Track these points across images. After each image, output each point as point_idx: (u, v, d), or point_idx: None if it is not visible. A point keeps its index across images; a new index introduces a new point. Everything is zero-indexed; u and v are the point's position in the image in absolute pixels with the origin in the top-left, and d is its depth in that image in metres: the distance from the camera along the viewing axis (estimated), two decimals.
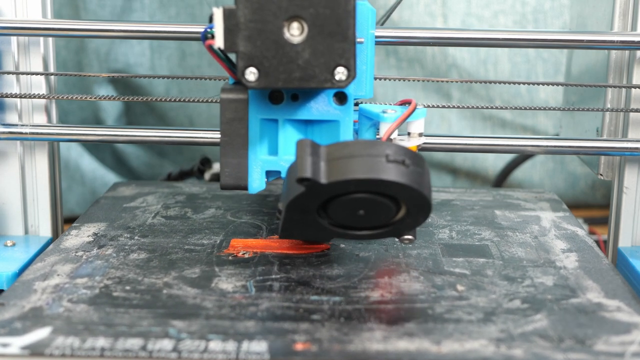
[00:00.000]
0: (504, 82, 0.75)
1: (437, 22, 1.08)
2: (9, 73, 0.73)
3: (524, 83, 0.75)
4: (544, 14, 1.08)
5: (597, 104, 0.77)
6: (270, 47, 0.56)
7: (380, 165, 0.55)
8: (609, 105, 0.75)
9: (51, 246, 0.67)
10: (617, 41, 0.70)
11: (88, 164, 1.09)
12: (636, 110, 0.73)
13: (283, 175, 0.61)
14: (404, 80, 0.80)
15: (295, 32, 0.56)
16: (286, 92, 0.60)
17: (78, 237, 0.69)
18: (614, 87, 0.74)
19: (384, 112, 0.62)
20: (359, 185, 0.56)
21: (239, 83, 0.58)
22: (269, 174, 0.62)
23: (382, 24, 0.73)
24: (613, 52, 0.74)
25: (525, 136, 0.97)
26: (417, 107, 0.63)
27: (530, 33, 0.72)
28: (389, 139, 0.61)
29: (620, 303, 0.57)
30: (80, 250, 0.66)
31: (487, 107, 0.78)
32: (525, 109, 0.75)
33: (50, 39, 0.75)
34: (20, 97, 0.73)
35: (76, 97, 0.75)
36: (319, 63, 0.56)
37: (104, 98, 0.79)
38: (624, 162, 0.75)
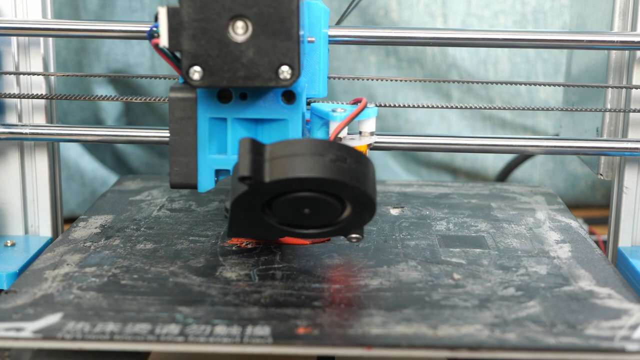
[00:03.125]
0: (504, 82, 0.75)
1: (437, 22, 1.08)
2: (9, 73, 0.73)
3: (524, 83, 0.74)
4: (544, 14, 1.07)
5: (597, 104, 0.77)
6: (214, 46, 0.56)
7: (322, 164, 0.55)
8: (609, 106, 0.75)
9: (60, 237, 0.69)
10: (617, 41, 0.70)
11: (88, 164, 1.09)
12: (636, 111, 0.73)
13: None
14: (404, 80, 0.80)
15: (239, 31, 0.56)
16: (235, 91, 0.60)
17: (86, 228, 0.71)
18: (614, 87, 0.74)
19: (333, 111, 0.62)
20: (301, 183, 0.56)
21: (187, 82, 0.58)
22: (218, 172, 0.62)
23: (338, 23, 0.73)
24: (613, 52, 0.74)
25: (525, 136, 0.96)
26: (368, 105, 0.63)
27: (530, 33, 0.72)
28: (336, 138, 0.61)
29: (611, 291, 0.59)
30: (89, 241, 0.67)
31: (487, 107, 0.77)
32: (525, 109, 0.75)
33: (50, 39, 0.74)
34: (20, 97, 0.73)
35: (76, 97, 0.75)
36: (263, 62, 0.56)
37: (104, 98, 0.79)
38: (624, 162, 0.75)
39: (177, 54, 0.58)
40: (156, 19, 0.57)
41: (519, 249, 0.67)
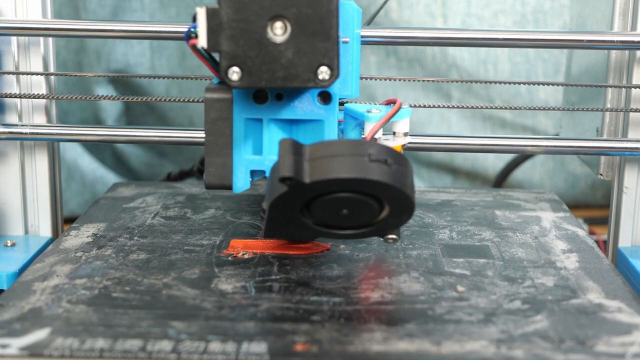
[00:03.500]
0: (504, 82, 0.75)
1: (437, 22, 1.08)
2: (9, 73, 0.73)
3: (524, 83, 0.75)
4: (544, 14, 1.08)
5: (597, 104, 0.77)
6: (253, 47, 0.56)
7: (363, 165, 0.55)
8: (609, 105, 0.75)
9: (50, 247, 0.67)
10: (617, 41, 0.70)
11: (88, 164, 1.09)
12: (636, 110, 0.73)
13: (268, 174, 0.61)
14: (404, 80, 0.80)
15: (278, 32, 0.56)
16: (270, 91, 0.60)
17: (77, 237, 0.69)
18: (614, 87, 0.74)
19: (368, 111, 0.62)
20: (342, 184, 0.56)
21: (224, 83, 0.58)
22: (253, 173, 0.62)
23: (369, 24, 0.72)
24: (613, 52, 0.74)
25: (525, 136, 0.97)
26: (403, 106, 0.63)
27: (530, 33, 0.72)
28: (373, 139, 0.61)
29: (621, 304, 0.57)
30: (80, 251, 0.66)
31: (487, 107, 0.78)
32: (525, 109, 0.75)
33: (50, 39, 0.75)
34: (20, 97, 0.73)
35: (76, 97, 0.75)
36: (302, 62, 0.56)
37: (104, 98, 0.80)
38: (624, 162, 0.75)
39: (214, 55, 0.58)
40: (194, 19, 0.56)
41: (524, 259, 0.65)
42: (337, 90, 0.61)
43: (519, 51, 1.09)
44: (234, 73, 0.56)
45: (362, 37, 0.71)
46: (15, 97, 0.73)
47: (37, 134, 0.74)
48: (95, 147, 1.12)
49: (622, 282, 0.61)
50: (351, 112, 0.64)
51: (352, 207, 0.58)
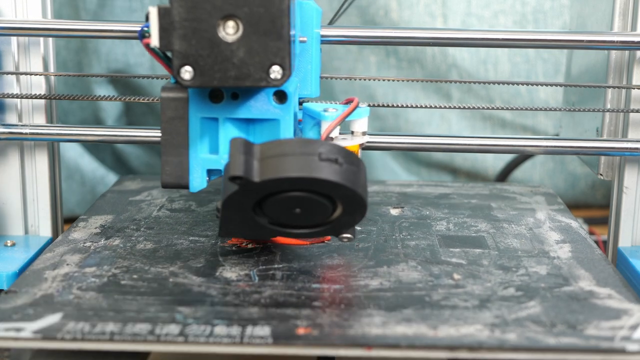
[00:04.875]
0: (504, 82, 0.75)
1: (437, 22, 1.08)
2: (9, 73, 0.73)
3: (524, 83, 0.74)
4: (544, 14, 1.08)
5: (597, 104, 0.77)
6: (205, 46, 0.56)
7: (313, 164, 0.55)
8: (609, 106, 0.75)
9: (60, 237, 0.69)
10: (617, 41, 0.70)
11: (88, 164, 1.09)
12: (636, 111, 0.73)
13: None
14: (404, 80, 0.80)
15: (230, 31, 0.56)
16: (226, 90, 0.60)
17: (86, 229, 0.71)
18: (614, 87, 0.74)
19: (325, 110, 0.62)
20: (292, 183, 0.56)
21: (178, 82, 0.58)
22: (210, 172, 0.62)
23: (331, 23, 0.72)
24: (613, 52, 0.74)
25: (525, 136, 0.97)
26: (360, 105, 0.63)
27: (530, 33, 0.71)
28: (328, 138, 0.61)
29: (611, 291, 0.59)
30: (89, 241, 0.67)
31: (487, 107, 0.78)
32: (525, 109, 0.75)
33: (50, 39, 0.74)
34: (20, 97, 0.73)
35: (76, 97, 0.75)
36: (254, 62, 0.56)
37: (104, 98, 0.79)
38: (624, 162, 0.75)
39: (169, 54, 0.58)
40: (147, 18, 0.57)
41: (519, 249, 0.67)
42: (293, 89, 0.60)
43: (519, 51, 1.09)
44: (186, 72, 0.56)
45: (362, 37, 0.71)
46: (15, 97, 0.73)
47: (37, 134, 0.73)
48: (95, 147, 1.11)
49: (612, 270, 0.63)
50: (309, 112, 0.64)
51: (305, 206, 0.57)
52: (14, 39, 0.73)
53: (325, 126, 0.62)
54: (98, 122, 1.11)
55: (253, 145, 0.56)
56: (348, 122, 0.64)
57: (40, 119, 0.75)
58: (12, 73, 0.73)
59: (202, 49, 0.56)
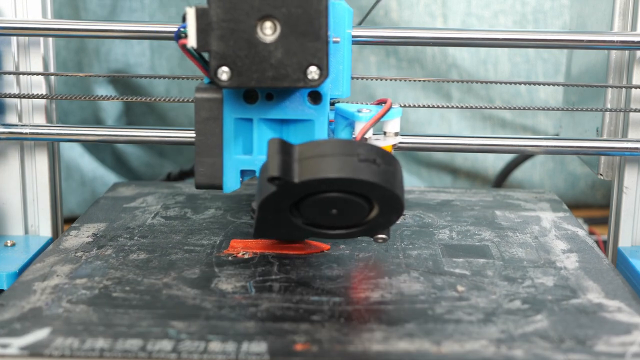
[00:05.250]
0: (504, 82, 0.75)
1: (437, 22, 1.08)
2: (9, 73, 0.73)
3: (524, 83, 0.75)
4: (544, 14, 1.08)
5: (597, 104, 0.77)
6: (242, 47, 0.56)
7: (351, 165, 0.55)
8: (609, 105, 0.75)
9: (50, 247, 0.67)
10: (617, 41, 0.70)
11: (88, 164, 1.09)
12: (636, 110, 0.73)
13: (258, 174, 0.61)
14: (404, 80, 0.80)
15: (267, 32, 0.56)
16: (260, 91, 0.60)
17: (77, 237, 0.69)
18: (614, 87, 0.74)
19: (358, 111, 0.62)
20: (330, 184, 0.56)
21: (214, 82, 0.58)
22: (244, 173, 0.62)
23: (360, 24, 0.72)
24: (613, 52, 0.74)
25: (525, 136, 0.98)
26: (393, 106, 0.63)
27: (530, 33, 0.72)
28: (363, 138, 0.61)
29: (620, 304, 0.57)
30: (80, 251, 0.66)
31: (487, 107, 0.78)
32: (525, 109, 0.75)
33: (50, 39, 0.75)
34: (20, 97, 0.73)
35: (76, 97, 0.75)
36: (291, 62, 0.56)
37: (104, 98, 0.80)
38: (624, 162, 0.75)
39: (204, 55, 0.58)
40: (184, 19, 0.57)
41: (524, 258, 0.65)
42: (327, 90, 0.61)
43: (519, 51, 1.10)
44: (224, 73, 0.56)
45: (362, 37, 0.71)
46: (15, 97, 0.73)
47: (37, 134, 0.74)
48: (95, 147, 1.12)
49: (621, 282, 0.61)
50: (342, 112, 0.64)
51: (342, 207, 0.58)
52: (14, 39, 0.74)
53: (359, 127, 0.61)
54: (98, 122, 1.11)
55: (291, 146, 0.56)
56: (379, 123, 0.63)
57: (40, 119, 0.75)
58: (12, 73, 0.74)
59: (239, 50, 0.56)
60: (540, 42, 0.71)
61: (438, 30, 0.79)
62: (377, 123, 0.62)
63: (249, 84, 0.57)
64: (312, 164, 0.55)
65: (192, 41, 0.56)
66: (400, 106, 0.65)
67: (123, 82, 1.10)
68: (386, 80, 0.79)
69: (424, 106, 0.75)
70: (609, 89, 0.75)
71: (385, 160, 0.56)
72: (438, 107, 0.76)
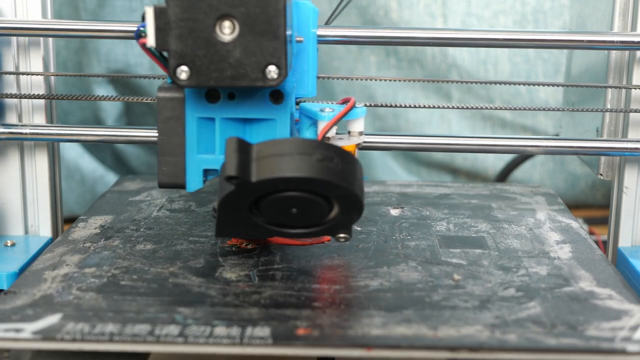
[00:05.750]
0: (504, 82, 0.75)
1: (437, 22, 1.08)
2: (9, 73, 0.73)
3: (524, 83, 0.74)
4: (544, 14, 1.08)
5: (597, 104, 0.77)
6: (201, 46, 0.56)
7: (309, 164, 0.55)
8: (609, 106, 0.75)
9: (59, 237, 0.69)
10: (617, 41, 0.70)
11: (88, 164, 1.09)
12: (636, 111, 0.73)
13: None
14: (404, 80, 0.80)
15: (226, 31, 0.56)
16: (222, 90, 0.60)
17: (85, 229, 0.70)
18: (614, 87, 0.74)
19: (321, 110, 0.62)
20: (288, 183, 0.56)
21: (174, 82, 0.57)
22: (207, 172, 0.62)
23: (327, 23, 0.72)
24: (613, 52, 0.73)
25: (525, 136, 0.97)
26: (357, 105, 0.63)
27: (530, 33, 0.71)
28: (324, 138, 0.61)
29: (611, 291, 0.59)
30: (88, 242, 0.67)
31: (487, 107, 0.77)
32: (525, 109, 0.75)
33: (50, 39, 0.74)
34: (20, 97, 0.73)
35: (76, 97, 0.75)
36: (250, 62, 0.56)
37: (104, 98, 0.78)
38: (624, 162, 0.75)
39: (165, 54, 0.58)
40: (143, 18, 0.57)
41: (519, 249, 0.67)
42: (290, 89, 0.60)
43: (519, 51, 1.09)
44: (183, 72, 0.56)
45: (362, 37, 0.71)
46: (15, 97, 0.73)
47: (37, 134, 0.73)
48: (95, 147, 1.11)
49: (613, 271, 0.62)
50: (305, 111, 0.63)
51: (301, 206, 0.58)
52: (14, 39, 0.73)
53: (321, 126, 0.62)
54: (98, 122, 1.11)
55: (249, 145, 0.57)
56: (345, 122, 0.64)
57: (40, 119, 0.75)
58: (12, 73, 0.73)
59: (198, 49, 0.56)
60: (540, 42, 0.71)
61: (438, 30, 0.78)
62: (339, 122, 0.62)
63: (208, 83, 0.56)
64: (269, 163, 0.55)
65: (151, 40, 0.56)
66: (400, 106, 0.66)
67: (123, 82, 1.09)
68: (386, 80, 0.79)
69: (424, 106, 0.75)
70: (609, 89, 0.74)
71: (344, 160, 0.56)
72: (438, 107, 0.76)
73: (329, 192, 0.56)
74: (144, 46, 0.58)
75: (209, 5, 0.55)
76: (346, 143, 0.63)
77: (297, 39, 0.64)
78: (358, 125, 0.64)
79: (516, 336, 0.52)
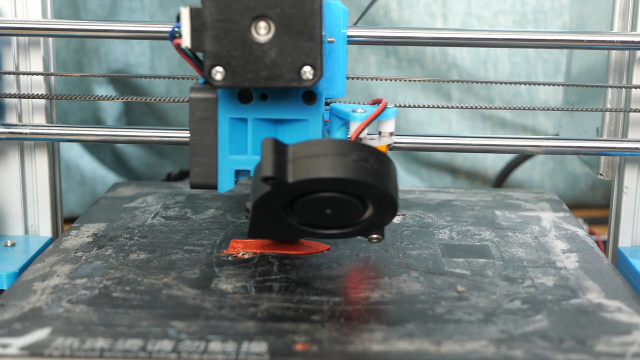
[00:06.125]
0: (504, 82, 0.75)
1: (437, 22, 1.08)
2: (9, 73, 0.73)
3: (524, 83, 0.74)
4: (544, 14, 1.08)
5: (597, 104, 0.77)
6: (237, 47, 0.56)
7: (345, 165, 0.55)
8: (609, 106, 0.75)
9: (50, 246, 0.67)
10: (617, 41, 0.70)
11: (88, 164, 1.09)
12: (636, 110, 0.73)
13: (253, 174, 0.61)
14: (404, 80, 0.80)
15: (262, 32, 0.56)
16: (255, 91, 0.60)
17: (77, 237, 0.69)
18: (614, 87, 0.74)
19: (353, 111, 0.62)
20: (324, 184, 0.56)
21: (209, 82, 0.58)
22: (238, 173, 0.62)
23: (356, 24, 0.72)
24: (613, 52, 0.74)
25: (525, 136, 0.97)
26: (388, 106, 0.63)
27: (530, 33, 0.72)
28: (357, 138, 0.61)
29: (620, 304, 0.57)
30: (80, 251, 0.66)
31: (487, 107, 0.78)
32: (525, 109, 0.75)
33: (50, 39, 0.75)
34: (20, 97, 0.73)
35: (76, 97, 0.75)
36: (285, 62, 0.56)
37: (104, 98, 0.79)
38: (624, 162, 0.75)
39: (199, 55, 0.58)
40: (178, 19, 0.57)
41: (524, 258, 0.65)
42: (322, 90, 0.61)
43: (519, 51, 1.09)
44: (218, 73, 0.56)
45: (362, 37, 0.72)
46: (15, 97, 0.73)
47: (37, 134, 0.74)
48: (95, 147, 1.11)
49: (622, 282, 0.61)
50: (337, 112, 0.64)
51: (336, 206, 0.58)
52: (14, 39, 0.74)
53: (354, 127, 0.62)
54: (98, 122, 1.11)
55: (285, 146, 0.57)
56: (375, 123, 0.63)
57: (40, 119, 0.75)
58: (12, 73, 0.74)
59: (233, 50, 0.56)
60: (540, 42, 0.71)
61: (438, 30, 0.79)
62: (372, 123, 0.62)
63: (243, 83, 0.57)
64: (305, 164, 0.56)
65: (186, 41, 0.56)
66: (400, 106, 0.65)
67: (123, 82, 1.10)
68: (386, 80, 0.79)
69: (424, 106, 0.75)
70: (609, 89, 0.75)
71: (379, 160, 0.57)
72: (438, 107, 0.76)
73: (364, 192, 0.57)
74: (178, 47, 0.58)
75: (244, 6, 0.55)
76: (377, 144, 0.63)
77: (329, 39, 0.64)
78: (389, 125, 0.64)
79: (522, 352, 0.50)
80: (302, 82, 0.57)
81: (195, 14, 0.56)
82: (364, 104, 0.65)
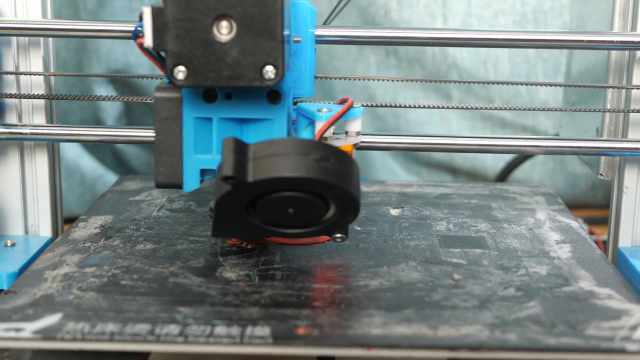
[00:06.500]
0: (504, 82, 0.75)
1: (437, 22, 1.08)
2: (9, 73, 0.73)
3: (524, 83, 0.74)
4: (544, 14, 1.08)
5: (597, 104, 0.77)
6: (198, 46, 0.56)
7: (305, 164, 0.55)
8: (609, 106, 0.75)
9: (60, 237, 0.69)
10: (617, 41, 0.70)
11: (88, 164, 1.09)
12: (636, 111, 0.73)
13: None
14: (404, 80, 0.80)
15: (223, 31, 0.56)
16: (220, 90, 0.60)
17: (86, 229, 0.71)
18: (614, 87, 0.74)
19: (318, 110, 0.62)
20: (284, 183, 0.56)
21: (171, 82, 0.57)
22: (204, 172, 0.62)
23: (325, 23, 0.72)
24: (613, 52, 0.73)
25: (525, 136, 0.97)
26: (354, 106, 0.63)
27: (530, 33, 0.71)
28: (322, 138, 0.61)
29: (611, 291, 0.59)
30: (88, 241, 0.67)
31: (487, 107, 0.77)
32: (525, 109, 0.75)
33: (50, 39, 0.74)
34: (20, 97, 0.73)
35: (76, 97, 0.75)
36: (247, 62, 0.56)
37: (104, 98, 0.78)
38: (624, 162, 0.75)
39: (162, 54, 0.58)
40: (141, 18, 0.57)
41: (519, 249, 0.67)
42: (287, 89, 0.60)
43: (519, 51, 1.09)
44: (180, 72, 0.56)
45: (362, 37, 0.71)
46: (15, 97, 0.73)
47: (37, 134, 0.73)
48: (95, 147, 1.11)
49: (613, 271, 0.63)
50: (303, 111, 0.64)
51: (298, 206, 0.58)
52: (14, 39, 0.73)
53: (319, 126, 0.62)
54: (98, 122, 1.11)
55: (246, 145, 0.57)
56: (343, 122, 0.64)
57: (40, 119, 0.75)
58: (12, 73, 0.73)
59: (195, 49, 0.56)
60: (540, 42, 0.71)
61: (438, 30, 0.78)
62: (337, 122, 0.62)
63: (205, 83, 0.56)
64: (266, 163, 0.56)
65: (148, 40, 0.56)
66: (400, 106, 0.65)
67: (123, 82, 1.09)
68: (386, 80, 0.79)
69: (424, 106, 0.75)
70: (609, 89, 0.74)
71: (341, 160, 0.57)
72: (438, 107, 0.76)
73: (326, 192, 0.57)
74: (141, 46, 0.58)
75: (206, 5, 0.55)
76: (343, 143, 0.63)
77: (295, 39, 0.64)
78: (355, 125, 0.64)
79: (516, 336, 0.52)
80: (264, 82, 0.56)
81: (157, 14, 0.56)
82: (331, 103, 0.65)
